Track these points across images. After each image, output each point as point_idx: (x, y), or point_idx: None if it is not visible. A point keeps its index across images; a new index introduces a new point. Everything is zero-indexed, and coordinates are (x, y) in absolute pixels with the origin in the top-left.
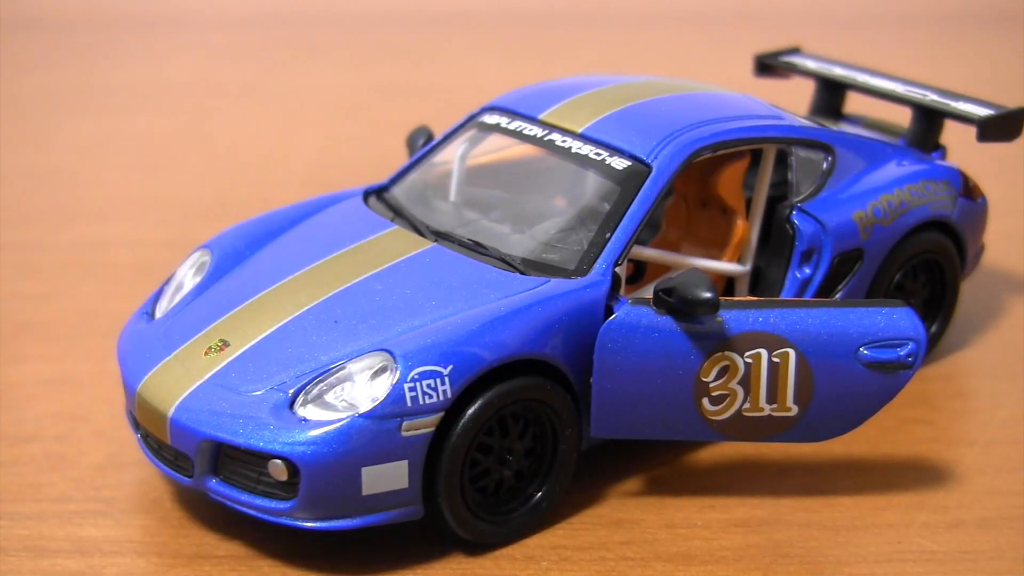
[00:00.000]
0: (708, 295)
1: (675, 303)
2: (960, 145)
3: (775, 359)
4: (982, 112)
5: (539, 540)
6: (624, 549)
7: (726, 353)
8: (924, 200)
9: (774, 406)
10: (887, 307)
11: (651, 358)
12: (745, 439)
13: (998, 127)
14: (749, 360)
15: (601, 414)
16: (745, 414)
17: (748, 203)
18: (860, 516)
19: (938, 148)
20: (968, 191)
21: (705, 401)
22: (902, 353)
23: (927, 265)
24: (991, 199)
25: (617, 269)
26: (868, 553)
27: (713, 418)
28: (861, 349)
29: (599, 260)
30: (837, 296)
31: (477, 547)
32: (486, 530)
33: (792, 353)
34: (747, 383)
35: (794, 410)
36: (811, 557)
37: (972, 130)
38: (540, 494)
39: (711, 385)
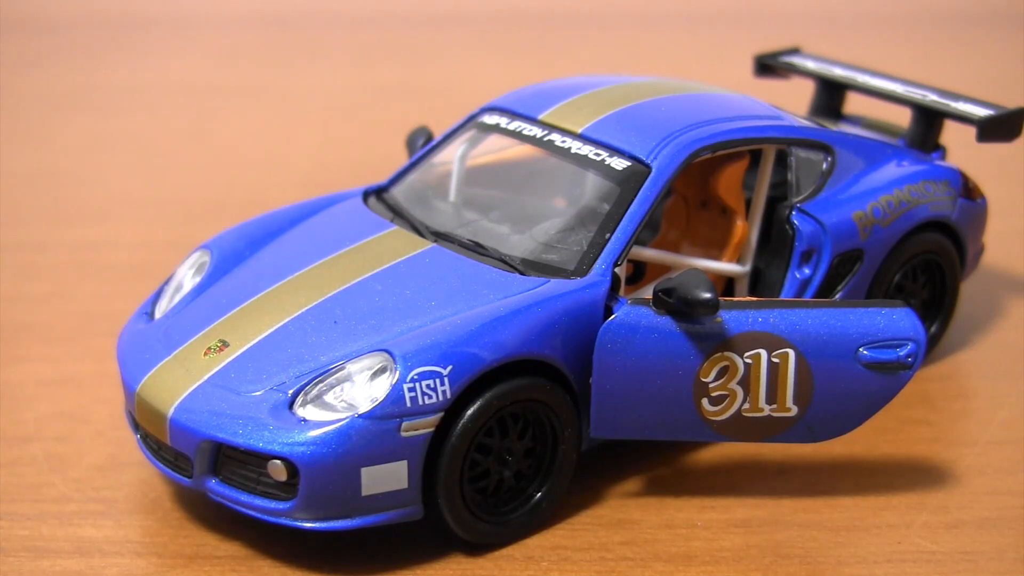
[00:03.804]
0: (708, 295)
1: (675, 303)
2: (960, 145)
3: (775, 359)
4: (982, 112)
5: (539, 540)
6: (624, 549)
7: (726, 353)
8: (924, 200)
9: (774, 406)
10: (887, 307)
11: (651, 358)
12: (745, 439)
13: (998, 127)
14: (749, 360)
15: (601, 414)
16: (745, 414)
17: (748, 203)
18: (860, 517)
19: (938, 148)
20: (968, 191)
21: (705, 401)
22: (902, 353)
23: (927, 266)
24: (991, 199)
25: (617, 269)
26: (868, 554)
27: (713, 418)
28: (861, 349)
29: (599, 260)
30: (837, 297)
31: (477, 547)
32: (486, 530)
33: (792, 353)
34: (747, 383)
35: (794, 410)
36: (811, 558)
37: (972, 130)
38: (540, 494)
39: (711, 385)
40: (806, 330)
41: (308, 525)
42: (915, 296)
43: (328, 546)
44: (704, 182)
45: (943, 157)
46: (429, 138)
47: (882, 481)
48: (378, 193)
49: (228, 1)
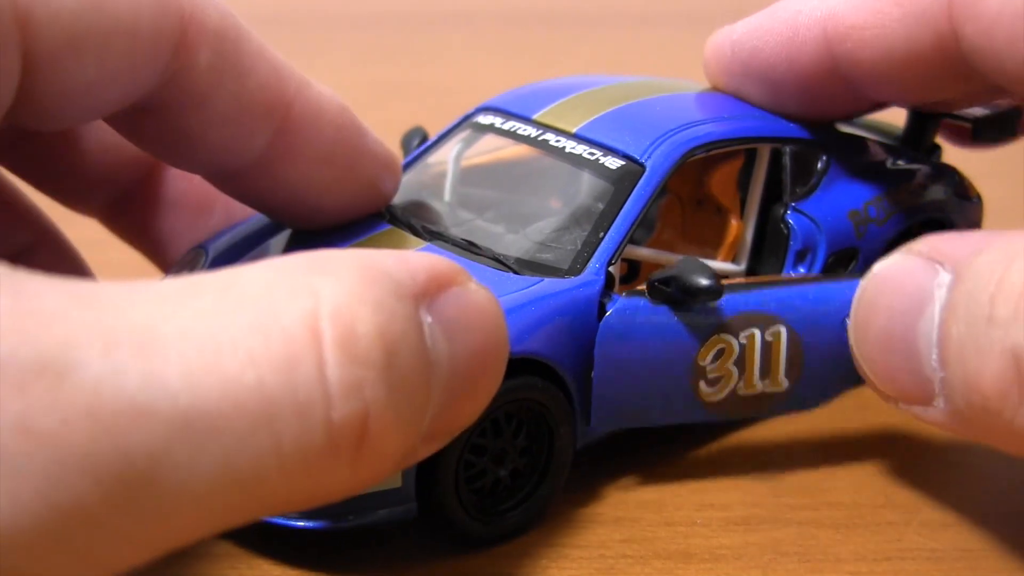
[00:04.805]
0: (709, 282)
1: (674, 292)
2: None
3: (768, 338)
4: (977, 112)
5: (538, 538)
6: (623, 547)
7: (722, 336)
8: (919, 200)
9: (766, 382)
10: (852, 280)
11: (651, 348)
12: (737, 416)
13: (993, 127)
14: (744, 341)
15: (602, 407)
16: (739, 393)
17: (742, 203)
18: (859, 515)
19: (934, 147)
20: (963, 190)
21: (702, 384)
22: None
23: None
24: (986, 199)
25: (611, 268)
26: (867, 551)
27: (709, 400)
28: (847, 320)
29: (592, 259)
30: None
31: (476, 546)
32: (482, 530)
33: (784, 330)
34: (742, 363)
35: (785, 384)
36: (810, 555)
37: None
38: (537, 493)
39: (708, 368)
40: (796, 306)
41: (301, 524)
42: None
43: (326, 543)
44: (699, 181)
45: (939, 156)
46: (424, 138)
47: (881, 479)
48: None
49: (227, 2)
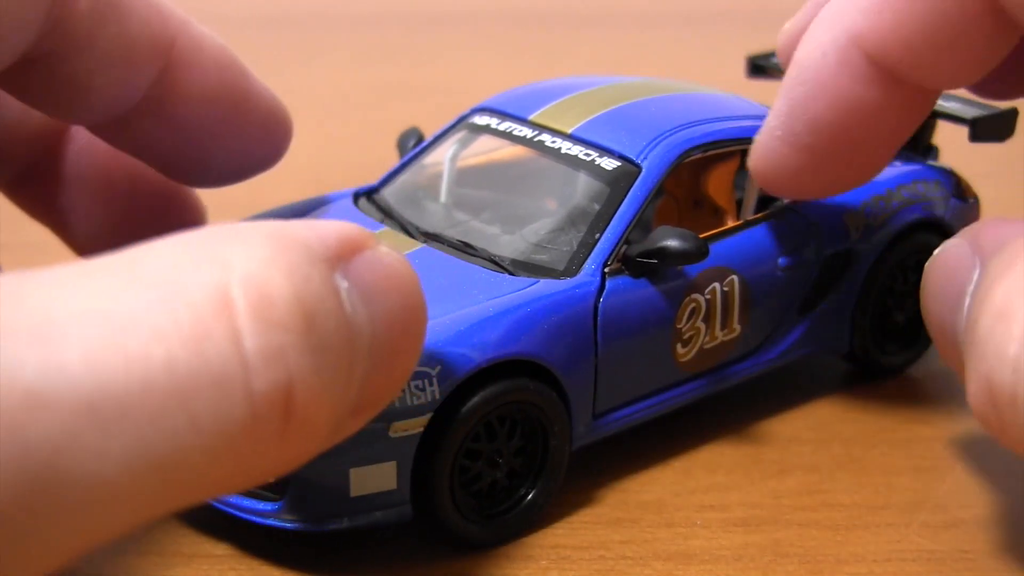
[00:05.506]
0: (690, 244)
1: (657, 263)
2: (952, 146)
3: (725, 288)
4: (974, 112)
5: (538, 539)
6: (623, 548)
7: (692, 296)
8: (915, 201)
9: (725, 331)
10: (782, 219)
11: (640, 321)
12: (700, 370)
13: (990, 127)
14: (708, 296)
15: (606, 388)
16: (705, 347)
17: (739, 203)
18: (859, 516)
19: (930, 149)
20: (960, 191)
21: (678, 346)
22: (808, 252)
23: (919, 266)
24: (983, 199)
25: (606, 270)
26: (867, 552)
27: (683, 360)
28: (778, 259)
29: (588, 261)
30: (828, 298)
31: (477, 547)
32: (478, 532)
33: (736, 279)
34: (708, 318)
35: (738, 330)
36: (810, 556)
37: (964, 130)
38: (533, 493)
39: (683, 329)
40: (742, 253)
41: (295, 526)
42: (907, 297)
43: (325, 544)
44: (695, 182)
45: (935, 157)
46: (420, 139)
47: (881, 480)
48: (368, 194)
49: (228, 1)
